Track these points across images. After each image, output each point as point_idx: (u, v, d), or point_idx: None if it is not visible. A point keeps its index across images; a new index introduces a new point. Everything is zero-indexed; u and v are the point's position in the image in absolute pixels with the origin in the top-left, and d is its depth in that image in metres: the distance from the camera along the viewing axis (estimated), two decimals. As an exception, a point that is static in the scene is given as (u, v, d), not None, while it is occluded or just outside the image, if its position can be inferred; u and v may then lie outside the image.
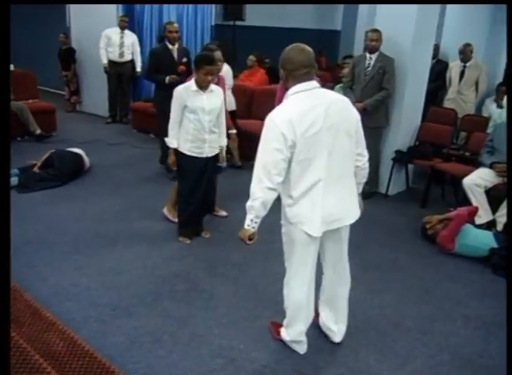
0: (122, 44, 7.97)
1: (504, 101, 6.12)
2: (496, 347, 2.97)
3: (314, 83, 2.41)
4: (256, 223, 2.48)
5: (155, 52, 5.42)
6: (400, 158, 5.27)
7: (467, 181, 4.42)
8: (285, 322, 2.83)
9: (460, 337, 3.07)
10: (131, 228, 4.35)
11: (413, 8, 4.86)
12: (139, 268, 3.67)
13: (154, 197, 5.09)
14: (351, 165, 2.53)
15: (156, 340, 2.88)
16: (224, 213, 4.69)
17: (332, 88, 4.97)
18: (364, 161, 2.59)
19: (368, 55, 5.10)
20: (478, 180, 4.37)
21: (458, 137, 6.09)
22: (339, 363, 2.78)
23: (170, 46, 5.34)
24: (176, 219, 4.24)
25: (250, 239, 2.55)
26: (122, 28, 7.94)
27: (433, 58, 6.18)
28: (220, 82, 4.42)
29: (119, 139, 7.30)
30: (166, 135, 3.96)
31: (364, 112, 4.23)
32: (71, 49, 8.85)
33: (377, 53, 5.03)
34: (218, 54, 4.17)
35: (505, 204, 4.32)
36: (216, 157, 4.11)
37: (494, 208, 4.46)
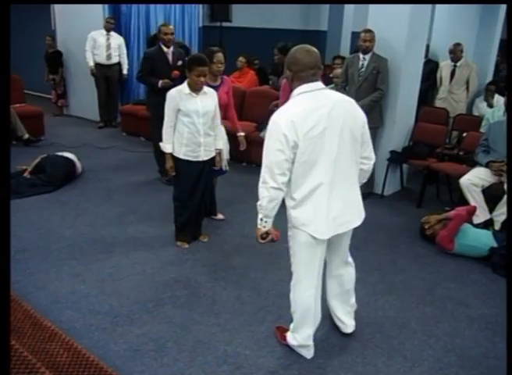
0: (108, 47, 7.86)
1: (495, 100, 6.20)
2: (501, 347, 2.96)
3: (320, 85, 2.39)
4: (266, 222, 2.47)
5: (149, 55, 5.32)
6: (395, 158, 5.28)
7: (464, 181, 4.43)
8: (292, 326, 2.79)
9: (466, 339, 3.05)
10: (127, 233, 4.28)
11: (406, 7, 4.86)
12: (138, 274, 3.60)
13: (148, 201, 5.03)
14: (356, 167, 2.51)
15: (160, 348, 2.82)
16: (221, 216, 4.64)
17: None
18: (370, 164, 2.59)
19: (361, 55, 5.09)
20: (475, 180, 4.38)
21: (450, 137, 6.11)
22: (348, 367, 2.74)
23: (165, 49, 5.25)
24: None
25: (262, 238, 2.53)
26: (108, 30, 7.83)
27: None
28: (225, 84, 4.36)
29: (109, 143, 7.21)
30: (160, 140, 3.90)
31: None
32: (58, 52, 8.71)
33: (370, 53, 5.02)
34: (219, 55, 4.10)
35: (502, 203, 4.34)
36: (213, 160, 4.06)
37: (491, 208, 4.48)
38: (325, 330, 2.97)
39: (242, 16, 11.03)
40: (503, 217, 4.32)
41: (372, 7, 5.20)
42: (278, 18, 11.90)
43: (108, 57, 7.90)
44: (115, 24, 7.92)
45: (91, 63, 7.90)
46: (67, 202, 4.92)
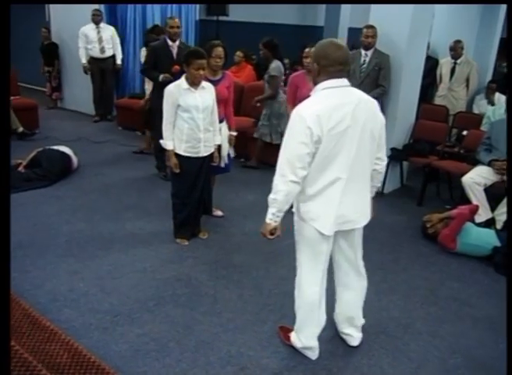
0: (100, 39, 7.70)
1: (496, 97, 6.17)
2: (506, 348, 2.93)
3: (345, 81, 2.35)
4: (278, 217, 2.42)
5: (154, 48, 5.20)
6: (396, 155, 5.23)
7: (466, 179, 4.39)
8: (296, 326, 2.74)
9: (471, 339, 3.02)
10: (125, 229, 4.20)
11: (408, 4, 4.81)
12: (138, 271, 3.53)
13: (146, 196, 4.96)
14: (370, 167, 2.49)
15: (162, 348, 2.76)
16: (220, 213, 4.57)
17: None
18: (382, 165, 2.57)
19: (363, 51, 5.04)
20: (477, 179, 4.35)
21: (450, 135, 6.08)
22: (353, 369, 2.70)
23: (170, 42, 5.10)
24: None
25: (271, 234, 2.46)
26: (97, 22, 7.67)
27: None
28: (226, 79, 4.28)
29: (105, 137, 7.10)
30: (160, 135, 3.82)
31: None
32: (53, 44, 8.57)
33: (372, 50, 4.97)
34: (218, 50, 4.02)
35: (504, 202, 4.31)
36: (211, 156, 4.00)
37: (493, 206, 4.45)
38: (330, 331, 2.91)
39: (239, 11, 10.95)
40: (505, 216, 4.29)
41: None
42: (275, 13, 11.84)
43: (102, 50, 7.76)
44: (102, 15, 7.78)
45: (84, 60, 7.76)
46: (63, 197, 4.83)
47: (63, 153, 5.42)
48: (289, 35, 12.39)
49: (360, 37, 5.04)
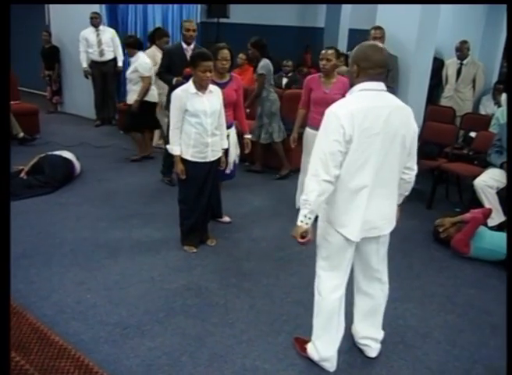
0: (99, 42, 7.62)
1: (503, 98, 6.09)
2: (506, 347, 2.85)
3: (382, 86, 2.31)
4: (310, 219, 2.34)
5: (168, 51, 5.11)
6: (405, 158, 5.13)
7: (479, 182, 4.31)
8: (313, 334, 2.64)
9: (491, 349, 2.93)
10: (131, 237, 4.11)
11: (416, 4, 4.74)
12: (146, 281, 3.44)
13: (151, 202, 4.87)
14: (398, 175, 2.43)
15: (175, 362, 2.66)
16: (227, 219, 4.48)
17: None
18: (411, 175, 2.50)
19: (370, 53, 4.94)
20: (490, 181, 4.27)
21: (457, 136, 5.99)
22: (373, 381, 2.62)
23: (185, 45, 5.00)
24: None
25: (302, 237, 2.37)
26: (96, 25, 7.59)
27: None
28: (234, 81, 4.21)
29: (107, 141, 7.01)
30: None
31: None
32: (54, 48, 8.47)
33: (380, 51, 4.88)
34: (224, 52, 3.96)
35: (517, 205, 4.23)
36: (219, 161, 3.92)
37: (504, 209, 4.37)
38: (347, 342, 2.81)
39: (239, 12, 10.88)
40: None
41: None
42: (275, 14, 11.77)
43: (101, 53, 7.68)
44: (100, 18, 7.70)
45: (84, 64, 7.68)
46: (66, 204, 4.73)
47: (66, 159, 5.32)
48: (289, 37, 12.34)
49: (368, 39, 4.95)
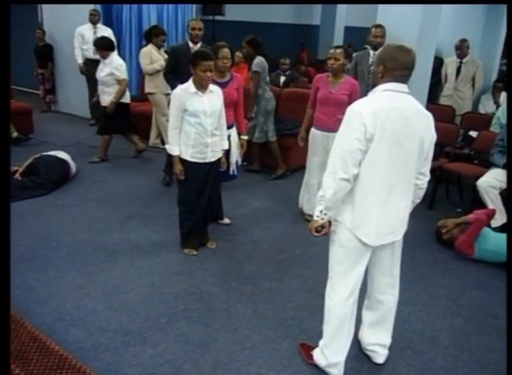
0: None
1: (501, 98, 6.06)
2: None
3: (406, 88, 2.27)
4: (325, 214, 2.33)
5: (174, 50, 4.95)
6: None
7: (482, 183, 4.26)
8: (323, 341, 2.58)
9: (499, 353, 2.88)
10: (130, 239, 4.03)
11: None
12: (146, 286, 3.36)
13: (149, 203, 4.78)
14: (413, 180, 2.38)
15: (178, 370, 2.59)
16: (227, 221, 4.41)
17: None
18: (424, 181, 2.46)
19: (371, 51, 4.89)
20: (493, 182, 4.22)
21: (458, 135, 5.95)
22: (381, 389, 2.56)
23: (191, 44, 4.88)
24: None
25: (317, 231, 2.37)
26: (95, 22, 7.47)
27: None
28: (235, 80, 4.14)
29: (102, 141, 6.88)
30: None
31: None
32: (48, 46, 8.33)
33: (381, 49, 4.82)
34: (224, 51, 3.89)
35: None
36: (219, 162, 3.85)
37: (507, 210, 4.32)
38: (354, 347, 2.74)
39: (235, 10, 10.82)
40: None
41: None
42: (271, 12, 11.73)
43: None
44: (100, 15, 7.58)
45: (80, 61, 7.56)
46: (62, 206, 4.64)
47: (61, 159, 5.21)
48: (285, 34, 12.28)
49: (369, 37, 4.89)
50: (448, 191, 5.32)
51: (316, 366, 2.64)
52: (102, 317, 2.98)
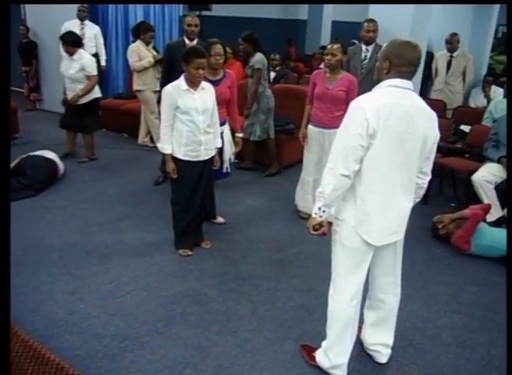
0: (83, 37, 7.32)
1: (492, 91, 6.05)
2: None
3: (410, 85, 2.21)
4: (324, 212, 2.27)
5: (170, 47, 4.81)
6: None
7: (477, 178, 4.25)
8: (326, 343, 2.53)
9: (501, 349, 2.86)
10: (123, 241, 3.94)
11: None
12: (141, 289, 3.28)
13: (141, 203, 4.69)
14: (415, 179, 2.33)
15: (178, 376, 2.53)
16: (221, 220, 4.34)
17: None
18: (425, 180, 2.41)
19: (363, 46, 4.85)
20: (488, 177, 4.21)
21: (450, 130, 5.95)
22: (386, 389, 2.52)
23: (187, 41, 4.78)
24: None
25: (315, 229, 2.30)
26: (82, 19, 7.32)
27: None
28: (228, 78, 4.07)
29: (90, 140, 6.76)
30: None
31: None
32: (32, 43, 8.16)
33: (373, 45, 4.79)
34: (217, 47, 3.82)
35: (516, 200, 4.18)
36: (212, 160, 3.77)
37: (502, 204, 4.32)
38: (356, 347, 2.70)
39: (221, 5, 10.69)
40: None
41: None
42: (258, 7, 11.65)
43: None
44: (88, 12, 7.43)
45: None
46: (51, 208, 4.53)
47: (48, 159, 5.09)
48: (272, 29, 12.20)
49: (360, 32, 4.84)
50: (442, 186, 5.31)
51: (319, 368, 2.59)
52: (97, 322, 2.90)
